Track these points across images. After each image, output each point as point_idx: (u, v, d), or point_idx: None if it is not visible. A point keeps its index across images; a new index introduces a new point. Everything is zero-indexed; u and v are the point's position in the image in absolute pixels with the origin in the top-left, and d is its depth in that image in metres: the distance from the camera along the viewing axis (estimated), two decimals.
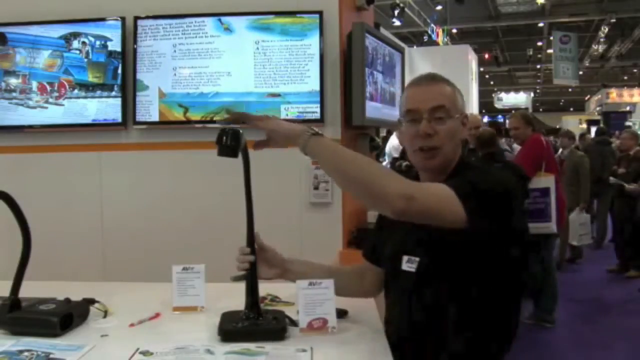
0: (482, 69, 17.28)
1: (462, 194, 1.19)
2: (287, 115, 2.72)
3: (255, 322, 1.39)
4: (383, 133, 8.10)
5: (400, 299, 1.41)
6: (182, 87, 2.78)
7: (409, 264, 1.35)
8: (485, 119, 23.97)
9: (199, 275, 1.68)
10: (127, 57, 2.80)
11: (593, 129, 12.46)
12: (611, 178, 6.02)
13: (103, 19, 2.82)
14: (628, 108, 19.99)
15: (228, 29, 2.74)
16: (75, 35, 2.82)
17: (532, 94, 25.81)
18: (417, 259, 1.33)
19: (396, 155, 5.60)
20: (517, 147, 4.86)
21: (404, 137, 1.45)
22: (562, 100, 30.97)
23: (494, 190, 1.26)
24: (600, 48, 15.85)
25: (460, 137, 1.39)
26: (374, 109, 2.86)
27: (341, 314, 1.51)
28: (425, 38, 13.92)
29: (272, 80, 2.73)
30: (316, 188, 2.76)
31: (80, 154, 2.90)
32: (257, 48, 2.73)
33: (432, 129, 1.34)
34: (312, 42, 2.70)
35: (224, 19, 2.74)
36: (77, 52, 2.82)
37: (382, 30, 3.73)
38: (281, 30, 2.72)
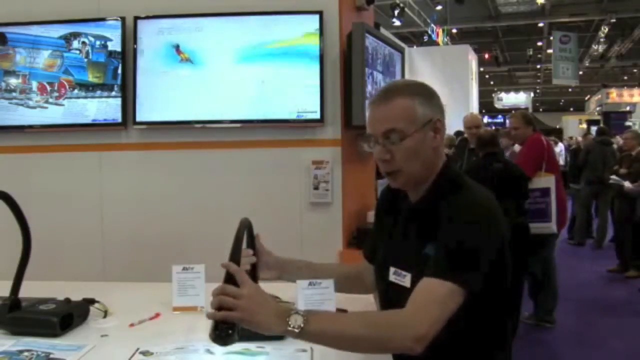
0: (482, 69, 17.29)
1: (451, 276, 1.16)
2: (287, 116, 2.72)
3: None
4: None
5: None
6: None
7: (395, 276, 1.34)
8: (486, 119, 24.03)
9: (199, 275, 1.68)
10: (127, 57, 2.80)
11: (593, 129, 12.45)
12: (612, 177, 6.00)
13: (103, 19, 2.82)
14: (628, 108, 19.98)
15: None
16: (75, 35, 2.82)
17: (532, 94, 25.80)
18: (408, 274, 1.30)
19: None
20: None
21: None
22: (562, 100, 30.96)
23: (477, 242, 1.21)
24: (600, 48, 15.83)
25: (432, 146, 1.30)
26: None
27: None
28: (425, 38, 13.92)
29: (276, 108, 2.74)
30: (316, 188, 2.76)
31: (80, 154, 2.90)
32: (263, 81, 2.72)
33: (388, 154, 1.28)
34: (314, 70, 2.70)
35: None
36: (77, 52, 2.82)
37: (382, 30, 3.73)
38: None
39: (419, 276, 1.24)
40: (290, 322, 1.09)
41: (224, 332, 1.09)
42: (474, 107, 11.59)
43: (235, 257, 1.18)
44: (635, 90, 20.42)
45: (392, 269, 1.35)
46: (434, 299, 1.15)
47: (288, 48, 2.71)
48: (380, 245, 1.46)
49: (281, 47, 2.71)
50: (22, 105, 2.86)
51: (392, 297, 1.37)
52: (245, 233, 1.34)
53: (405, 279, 1.31)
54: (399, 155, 1.28)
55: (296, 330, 1.09)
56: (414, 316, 1.14)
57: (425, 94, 1.33)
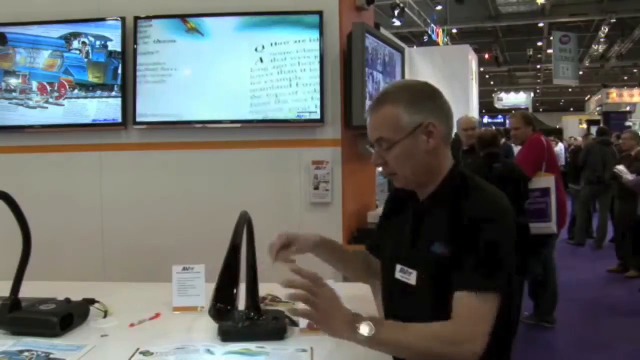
0: (482, 69, 17.24)
1: (489, 285, 1.20)
2: (287, 116, 2.71)
3: (255, 322, 1.40)
4: None
5: (399, 309, 1.41)
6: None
7: (402, 274, 1.35)
8: (486, 119, 24.01)
9: (199, 275, 1.68)
10: (127, 57, 2.80)
11: (593, 129, 12.44)
12: (617, 167, 5.90)
13: (103, 19, 2.82)
14: (628, 108, 19.96)
15: None
16: (75, 35, 2.82)
17: (532, 94, 25.77)
18: (414, 271, 1.32)
19: None
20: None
21: None
22: (562, 100, 30.94)
23: (502, 244, 1.24)
24: (600, 48, 15.82)
25: (424, 151, 1.30)
26: None
27: None
28: (425, 38, 13.91)
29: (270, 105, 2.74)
30: (316, 188, 2.76)
31: (80, 154, 2.90)
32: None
33: (381, 159, 1.33)
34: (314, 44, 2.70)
35: None
36: (77, 52, 2.82)
37: (382, 30, 3.73)
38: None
39: (425, 274, 1.28)
40: (360, 330, 1.13)
41: (223, 309, 1.19)
42: (474, 107, 11.56)
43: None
44: (635, 90, 20.39)
45: (398, 267, 1.36)
46: (481, 314, 1.20)
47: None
48: (388, 242, 1.47)
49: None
50: (22, 105, 2.87)
51: (396, 295, 1.38)
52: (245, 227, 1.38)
53: (410, 277, 1.32)
54: (391, 160, 1.32)
55: (364, 338, 1.13)
56: (471, 333, 1.18)
57: (416, 97, 1.32)
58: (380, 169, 1.36)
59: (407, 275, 1.33)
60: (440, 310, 1.27)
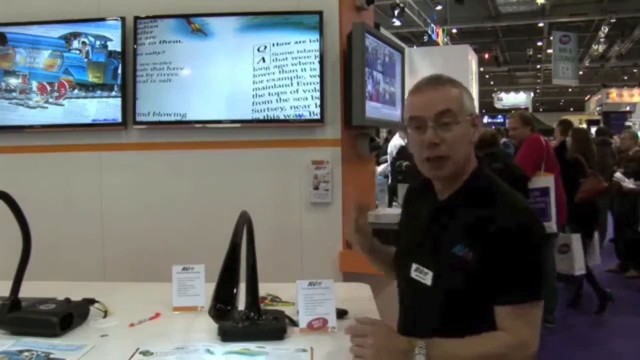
0: (482, 69, 17.25)
1: (532, 295, 1.22)
2: (287, 116, 2.72)
3: (255, 322, 1.40)
4: (383, 133, 8.10)
5: (411, 307, 1.41)
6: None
7: (417, 273, 1.34)
8: (486, 119, 24.01)
9: (199, 275, 1.69)
10: (127, 57, 2.80)
11: (593, 129, 12.44)
12: (615, 175, 5.92)
13: (103, 19, 2.82)
14: (628, 108, 19.97)
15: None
16: (75, 35, 2.82)
17: (532, 94, 25.79)
18: (430, 272, 1.30)
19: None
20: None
21: (410, 144, 1.37)
22: (562, 100, 30.96)
23: (541, 252, 1.25)
24: (600, 48, 15.83)
25: (471, 140, 1.31)
26: (374, 109, 2.86)
27: (341, 314, 1.51)
28: (425, 38, 13.91)
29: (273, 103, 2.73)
30: (316, 188, 2.76)
31: (80, 154, 2.90)
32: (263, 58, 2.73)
33: (438, 138, 1.26)
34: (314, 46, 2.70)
35: None
36: (77, 52, 2.82)
37: (382, 30, 3.73)
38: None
39: (442, 276, 1.27)
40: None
41: (223, 309, 1.27)
42: (474, 108, 11.57)
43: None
44: (635, 90, 20.40)
45: (413, 265, 1.35)
46: (532, 320, 1.23)
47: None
48: (404, 237, 1.47)
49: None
50: (22, 105, 2.87)
51: (411, 294, 1.38)
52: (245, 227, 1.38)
53: (426, 277, 1.31)
54: (449, 139, 1.27)
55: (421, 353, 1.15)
56: (530, 338, 1.22)
57: (468, 90, 1.35)
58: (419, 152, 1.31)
59: (423, 275, 1.32)
60: (450, 313, 1.26)
